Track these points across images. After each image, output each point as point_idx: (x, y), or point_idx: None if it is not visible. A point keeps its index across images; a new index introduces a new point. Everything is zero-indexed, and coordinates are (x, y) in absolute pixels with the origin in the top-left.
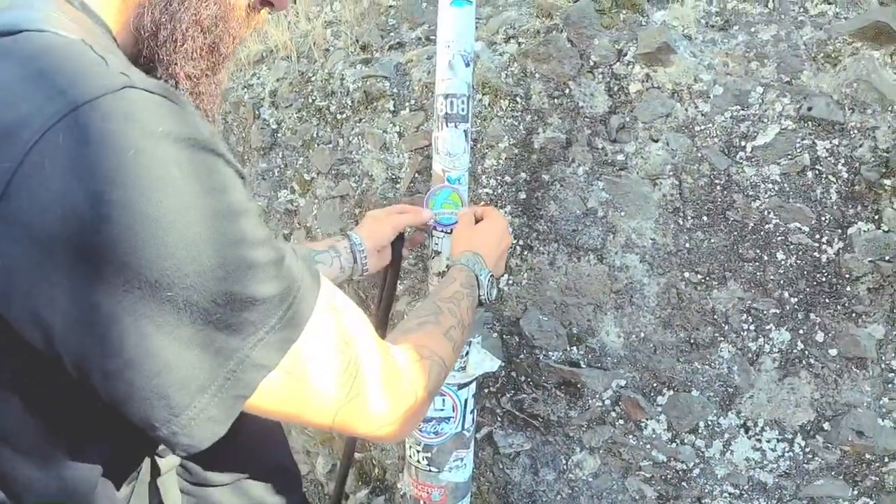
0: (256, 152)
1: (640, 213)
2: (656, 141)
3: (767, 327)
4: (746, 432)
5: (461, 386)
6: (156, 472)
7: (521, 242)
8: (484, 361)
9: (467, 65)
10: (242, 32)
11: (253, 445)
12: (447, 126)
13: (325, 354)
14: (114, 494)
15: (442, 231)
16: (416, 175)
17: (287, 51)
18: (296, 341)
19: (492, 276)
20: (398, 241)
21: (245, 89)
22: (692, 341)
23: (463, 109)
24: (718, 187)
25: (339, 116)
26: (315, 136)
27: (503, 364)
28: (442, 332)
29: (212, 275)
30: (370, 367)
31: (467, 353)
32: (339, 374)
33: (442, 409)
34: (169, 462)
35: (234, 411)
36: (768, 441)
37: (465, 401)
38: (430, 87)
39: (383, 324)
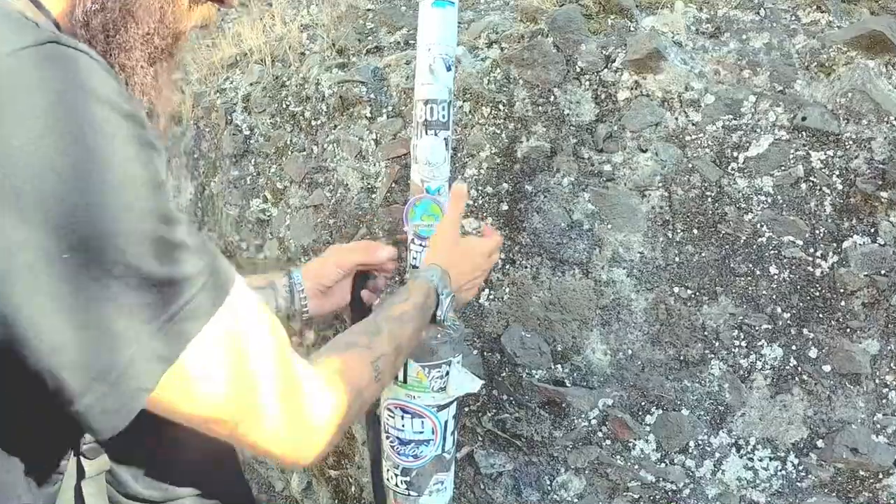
0: (228, 159)
1: (627, 226)
2: (645, 151)
3: (759, 343)
4: (738, 451)
5: (441, 407)
6: (81, 474)
7: (503, 256)
8: (465, 382)
9: (449, 69)
10: (182, 25)
11: (195, 465)
12: (427, 133)
13: (222, 361)
14: (38, 493)
15: (420, 245)
16: (394, 185)
17: (261, 55)
18: (192, 339)
19: (453, 297)
20: (360, 283)
21: (217, 94)
22: (682, 358)
23: (444, 116)
24: (710, 199)
25: (313, 123)
26: (289, 142)
27: (485, 383)
28: (370, 360)
29: (116, 242)
30: (271, 388)
31: (447, 374)
32: (233, 387)
33: (421, 432)
34: (95, 465)
35: (135, 404)
36: (760, 460)
37: (446, 423)
38: (409, 93)
39: None
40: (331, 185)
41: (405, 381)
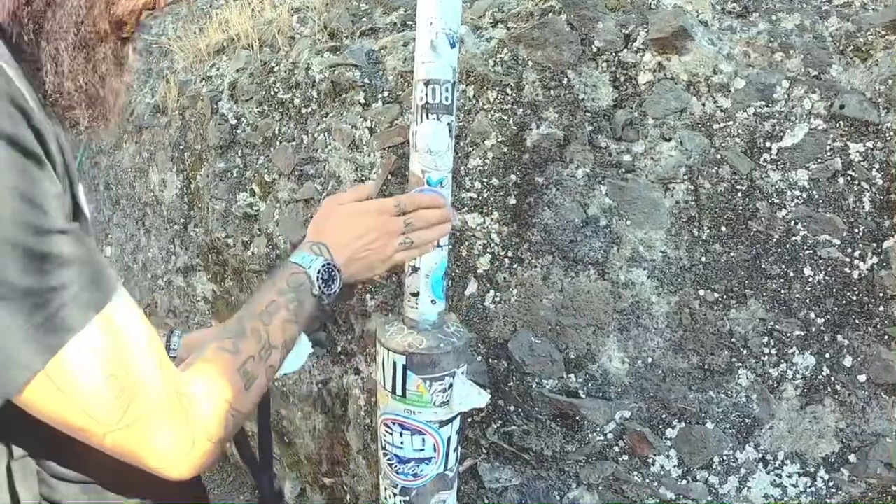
0: (214, 151)
1: (648, 223)
2: (669, 140)
3: (790, 351)
4: (765, 466)
5: (444, 423)
6: (11, 456)
7: (509, 254)
8: (470, 396)
9: (453, 46)
10: (119, 9)
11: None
12: (428, 118)
13: (93, 373)
14: None
15: None
16: (390, 177)
17: (249, 40)
18: (61, 348)
19: (330, 266)
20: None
21: (203, 82)
22: (706, 367)
23: (447, 98)
24: (739, 194)
25: (303, 110)
26: (277, 132)
27: (490, 394)
28: (236, 366)
29: None
30: (148, 400)
31: (451, 387)
32: (109, 398)
33: (422, 450)
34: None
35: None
36: (789, 476)
37: (448, 439)
38: (407, 77)
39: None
40: (322, 177)
41: (403, 394)
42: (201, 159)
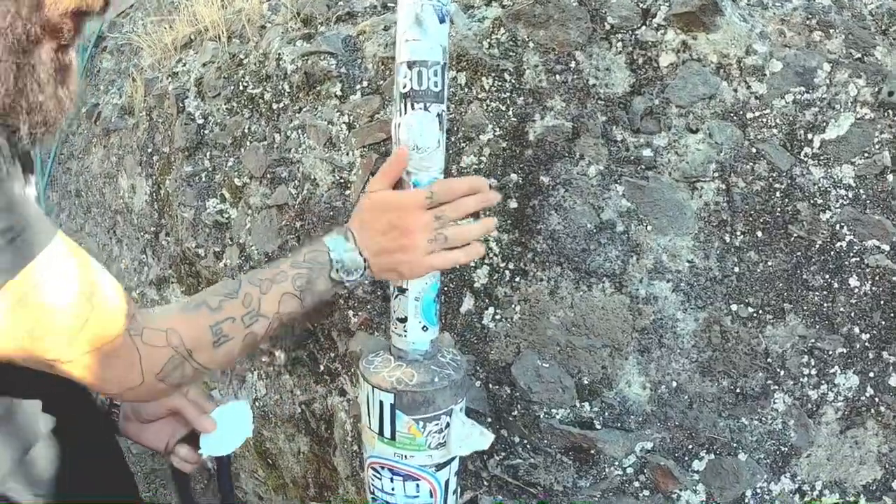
0: (181, 153)
1: (673, 228)
2: (696, 131)
3: (832, 371)
4: (802, 498)
5: (440, 466)
6: None
7: (511, 266)
8: (471, 437)
9: (442, 20)
10: (51, 11)
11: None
12: (413, 108)
13: (59, 296)
14: None
15: None
16: (370, 178)
17: (217, 30)
18: (24, 268)
19: (354, 255)
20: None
21: (169, 78)
22: (738, 391)
23: (436, 84)
24: (778, 194)
25: (274, 106)
26: (247, 131)
27: (493, 426)
28: (210, 322)
29: None
30: (105, 330)
31: (448, 426)
32: (70, 324)
33: (416, 496)
34: None
35: None
36: None
37: (447, 482)
38: (389, 64)
39: None
40: (296, 179)
41: (393, 437)
42: (170, 163)
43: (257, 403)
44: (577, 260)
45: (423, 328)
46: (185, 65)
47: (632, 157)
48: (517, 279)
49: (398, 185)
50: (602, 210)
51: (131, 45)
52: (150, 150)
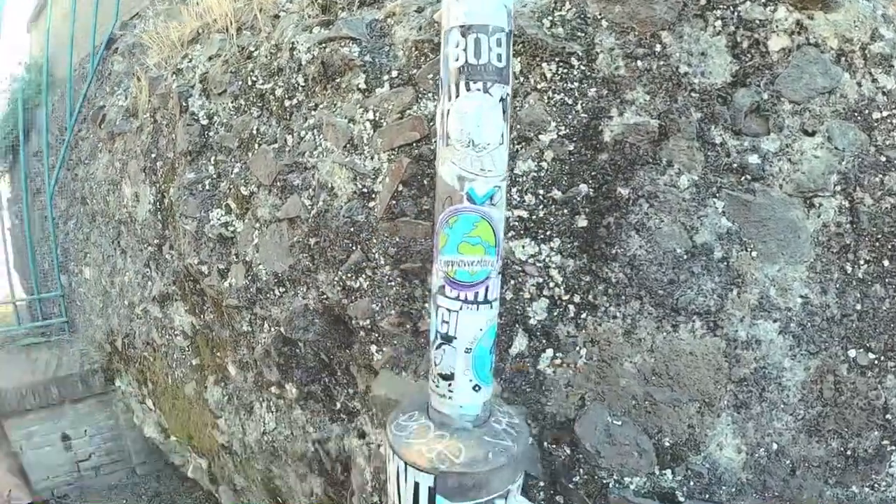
0: (183, 158)
1: (784, 255)
2: (812, 133)
3: None
4: None
5: None
6: None
7: (577, 299)
8: None
9: None
10: None
11: None
12: (468, 89)
13: None
14: None
15: (458, 294)
16: (402, 187)
17: (225, 22)
18: None
19: None
20: None
21: (174, 76)
22: (849, 454)
23: (499, 58)
24: None
25: (286, 103)
26: (255, 132)
27: (548, 494)
28: None
29: None
30: None
31: None
32: None
33: None
34: None
35: None
36: None
37: None
38: (424, 49)
39: None
40: (310, 188)
41: None
42: (174, 169)
43: (266, 437)
44: (662, 293)
45: (474, 388)
46: (190, 60)
47: (734, 165)
48: (584, 315)
49: (436, 201)
50: (696, 231)
51: (142, 45)
52: (153, 156)
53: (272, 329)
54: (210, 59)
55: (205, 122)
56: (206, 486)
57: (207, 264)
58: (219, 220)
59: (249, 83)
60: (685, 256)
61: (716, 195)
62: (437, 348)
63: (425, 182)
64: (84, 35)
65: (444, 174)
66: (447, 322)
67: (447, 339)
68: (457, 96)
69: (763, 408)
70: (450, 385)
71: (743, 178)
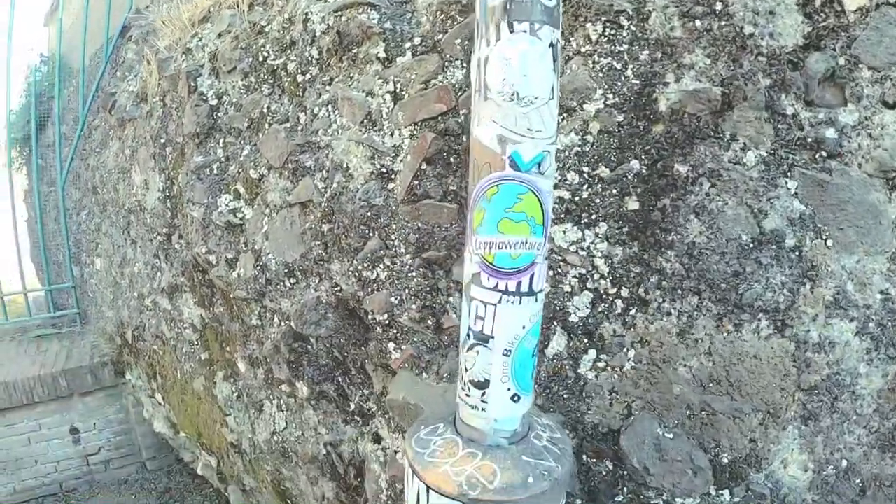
0: (191, 141)
1: (864, 244)
2: (894, 106)
3: None
4: None
5: None
6: None
7: (625, 293)
8: None
9: None
10: None
11: None
12: (512, 30)
13: None
14: None
15: (496, 283)
16: (425, 167)
17: None
18: None
19: None
20: None
21: (184, 56)
22: None
23: None
24: None
25: (299, 78)
26: (266, 110)
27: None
28: None
29: None
30: None
31: None
32: None
33: None
34: None
35: None
36: None
37: None
38: (450, 13)
39: None
40: (324, 169)
41: None
42: (183, 154)
43: (276, 437)
44: (725, 287)
45: (513, 398)
46: (200, 39)
47: (808, 140)
48: (633, 312)
49: (475, 158)
50: (765, 215)
51: (155, 31)
52: (163, 141)
53: (282, 323)
54: (220, 35)
55: (213, 102)
56: (215, 484)
57: (215, 254)
58: (227, 206)
59: (260, 59)
60: (752, 245)
61: (787, 174)
62: (468, 350)
63: (452, 160)
64: (99, 25)
65: (480, 136)
66: (482, 318)
67: (482, 339)
68: (497, 40)
69: (834, 420)
70: (483, 394)
71: (818, 154)
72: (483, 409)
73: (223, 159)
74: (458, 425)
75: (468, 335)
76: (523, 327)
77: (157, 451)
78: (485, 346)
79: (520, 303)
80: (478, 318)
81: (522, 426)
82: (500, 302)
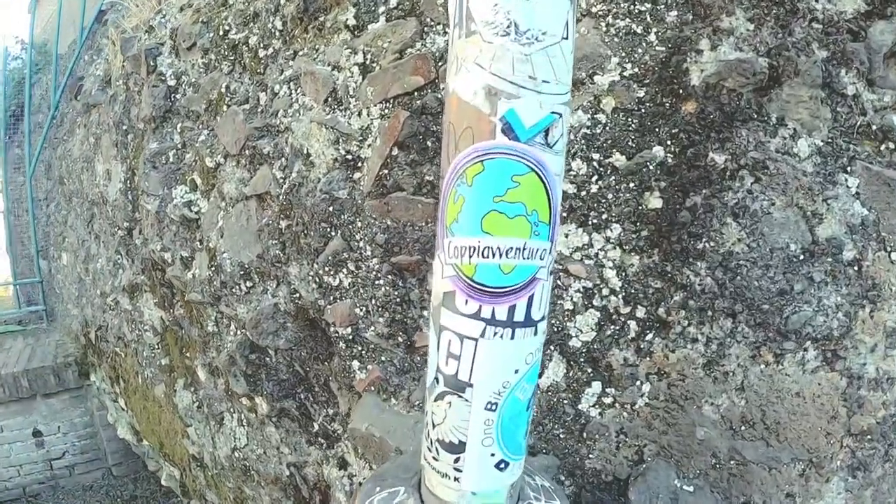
0: (148, 126)
1: None
2: None
3: None
4: None
5: None
6: None
7: (640, 312)
8: None
9: None
10: None
11: None
12: None
13: None
14: None
15: (479, 307)
16: (396, 152)
17: None
18: None
19: None
20: None
21: (146, 34)
22: None
23: None
24: None
25: (261, 53)
26: (224, 90)
27: None
28: None
29: None
30: None
31: None
32: None
33: None
34: None
35: None
36: None
37: None
38: None
39: None
40: (283, 156)
41: None
42: (142, 138)
43: (237, 454)
44: (767, 308)
45: (499, 465)
46: (164, 16)
47: (872, 128)
48: (650, 337)
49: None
50: (819, 220)
51: (126, 10)
52: (125, 127)
53: (238, 332)
54: (181, 9)
55: (172, 82)
56: (180, 496)
57: (171, 251)
58: (182, 198)
59: (221, 33)
60: (802, 257)
61: (846, 168)
62: (436, 399)
63: (429, 144)
64: (76, 11)
65: (459, 89)
66: (456, 357)
67: (456, 388)
68: None
69: (886, 469)
70: (457, 460)
71: (884, 146)
72: (456, 480)
73: (180, 146)
74: (422, 492)
75: (436, 379)
76: (516, 371)
77: (123, 457)
78: (459, 397)
79: (512, 337)
80: (450, 356)
81: (510, 498)
82: (482, 335)
